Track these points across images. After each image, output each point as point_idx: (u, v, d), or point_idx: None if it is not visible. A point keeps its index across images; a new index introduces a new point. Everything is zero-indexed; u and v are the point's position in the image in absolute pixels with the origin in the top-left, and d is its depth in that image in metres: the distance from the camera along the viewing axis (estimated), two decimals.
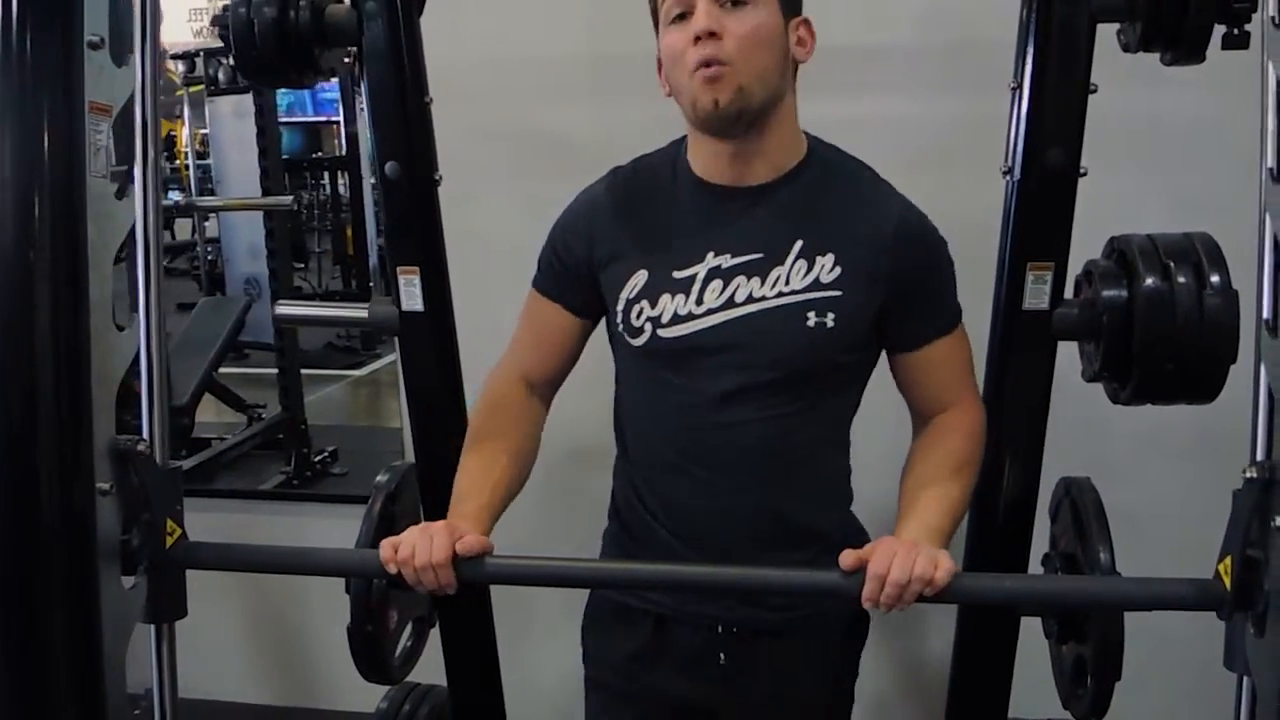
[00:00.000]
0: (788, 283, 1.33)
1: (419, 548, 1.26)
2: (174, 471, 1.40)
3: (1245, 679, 1.21)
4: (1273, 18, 1.21)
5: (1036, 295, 1.54)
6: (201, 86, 5.79)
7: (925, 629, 2.42)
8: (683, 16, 1.29)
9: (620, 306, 1.39)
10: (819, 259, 1.33)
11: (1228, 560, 1.15)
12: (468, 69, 2.23)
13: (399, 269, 1.73)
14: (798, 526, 1.41)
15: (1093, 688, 1.45)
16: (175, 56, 6.06)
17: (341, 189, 7.26)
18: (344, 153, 6.87)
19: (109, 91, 1.26)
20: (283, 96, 7.25)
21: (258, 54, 1.64)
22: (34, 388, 1.20)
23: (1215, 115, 1.92)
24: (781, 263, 1.33)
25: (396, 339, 1.82)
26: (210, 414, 4.49)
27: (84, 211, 1.22)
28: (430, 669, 1.88)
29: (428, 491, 1.77)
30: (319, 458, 3.79)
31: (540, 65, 2.34)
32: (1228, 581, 1.15)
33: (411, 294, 1.73)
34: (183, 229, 7.41)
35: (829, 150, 1.41)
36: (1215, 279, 1.38)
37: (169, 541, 1.34)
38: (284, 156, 7.04)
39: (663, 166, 1.42)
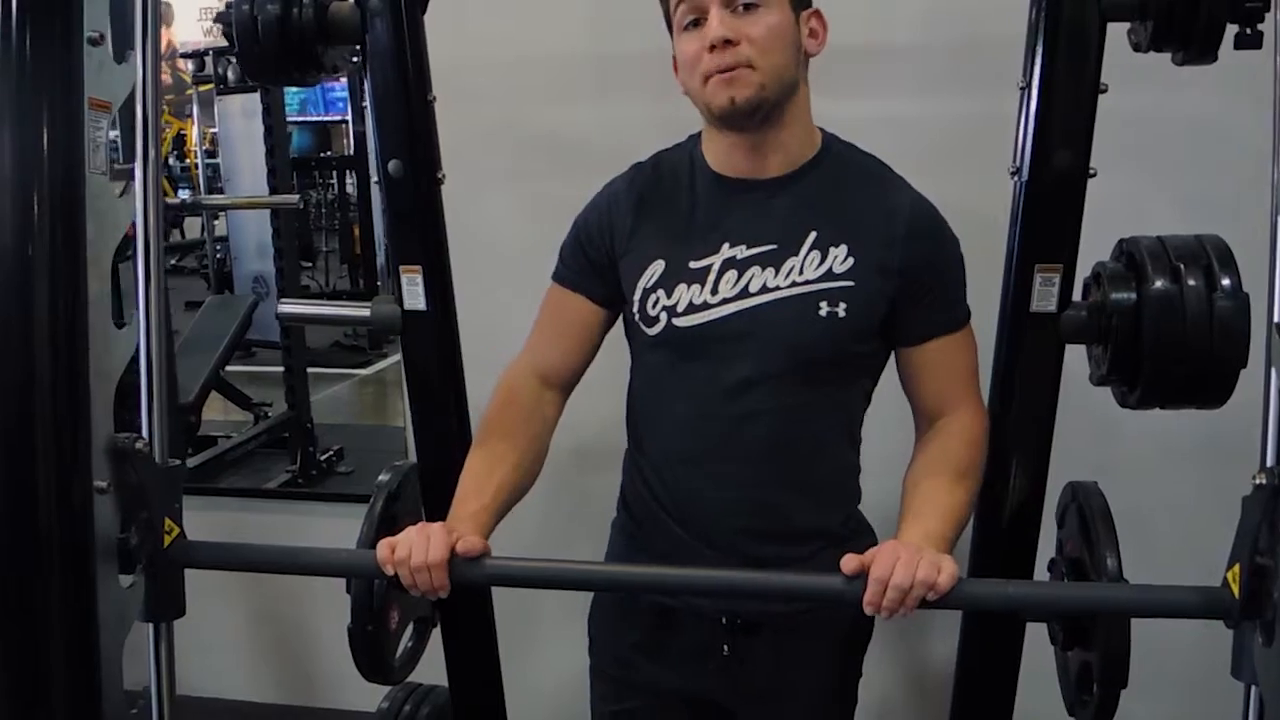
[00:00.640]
0: (801, 273, 1.35)
1: (415, 548, 1.25)
2: (173, 470, 1.39)
3: (1253, 688, 1.19)
4: None
5: (1044, 297, 1.53)
6: (211, 85, 5.78)
7: (930, 633, 2.40)
8: (696, 23, 1.32)
9: (637, 296, 1.40)
10: (832, 250, 1.35)
11: (1236, 568, 1.14)
12: (473, 68, 2.23)
13: (402, 268, 1.72)
14: (804, 521, 1.43)
15: (1098, 695, 1.43)
16: (185, 55, 6.07)
17: (350, 188, 7.27)
18: (352, 152, 6.87)
19: (109, 88, 1.25)
20: (295, 95, 7.27)
21: (261, 51, 1.64)
22: (32, 384, 1.19)
23: (1228, 116, 1.91)
24: (795, 253, 1.36)
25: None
26: (218, 412, 4.49)
27: (83, 208, 1.21)
28: (432, 669, 1.87)
29: (430, 491, 1.76)
30: (325, 456, 3.81)
31: (546, 64, 2.33)
32: (1236, 589, 1.14)
33: (414, 293, 1.72)
34: (193, 227, 7.43)
35: (844, 145, 1.43)
36: (1226, 282, 1.36)
37: (167, 540, 1.34)
38: (294, 155, 7.07)
39: (681, 161, 1.44)
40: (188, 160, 8.06)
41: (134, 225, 1.36)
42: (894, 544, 1.23)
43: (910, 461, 1.40)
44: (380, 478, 1.68)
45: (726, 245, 1.37)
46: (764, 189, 1.38)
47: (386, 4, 1.63)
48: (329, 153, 7.83)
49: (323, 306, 2.21)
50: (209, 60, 5.49)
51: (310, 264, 7.05)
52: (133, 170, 1.36)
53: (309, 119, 7.88)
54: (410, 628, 1.75)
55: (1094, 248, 1.53)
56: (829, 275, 1.35)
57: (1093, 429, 1.95)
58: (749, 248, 1.37)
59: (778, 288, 1.35)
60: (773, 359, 1.36)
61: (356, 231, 6.99)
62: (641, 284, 1.40)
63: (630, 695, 1.55)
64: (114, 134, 1.27)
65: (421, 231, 1.72)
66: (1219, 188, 1.94)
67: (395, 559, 1.26)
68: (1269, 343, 1.19)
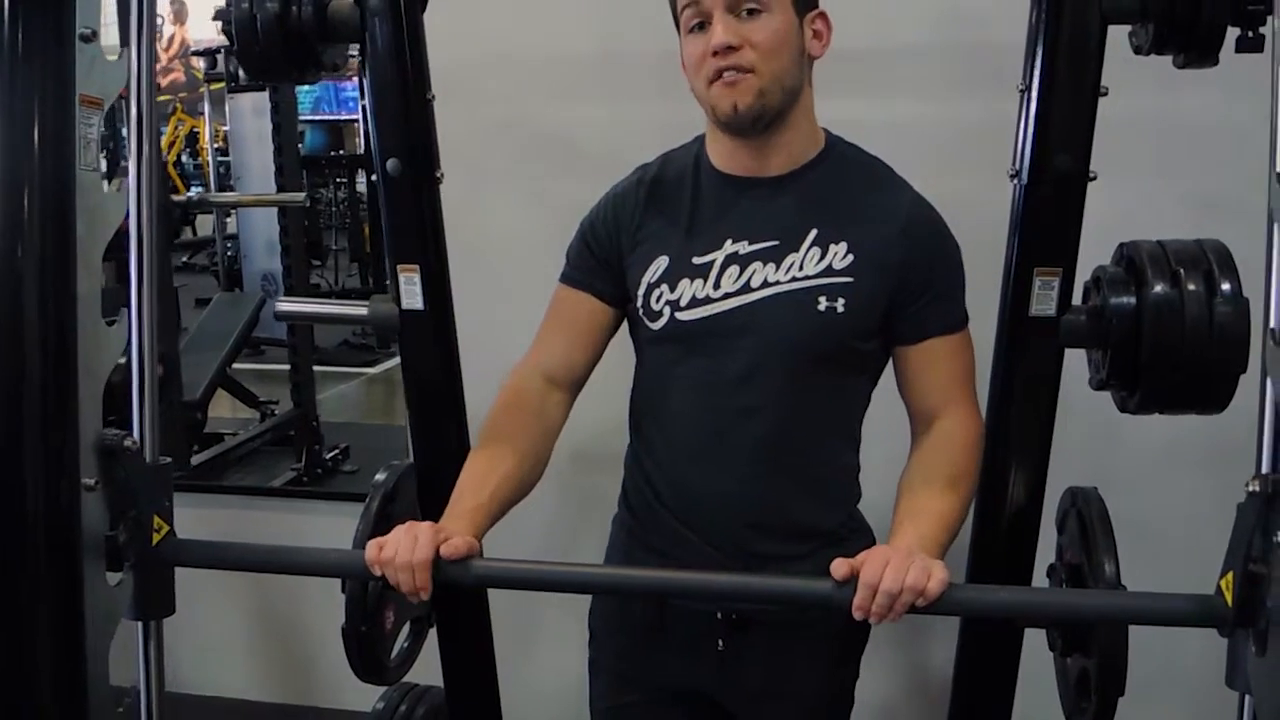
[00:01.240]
0: (801, 269, 1.37)
1: (401, 548, 1.25)
2: (163, 468, 1.38)
3: (1247, 697, 1.18)
4: None
5: (1043, 301, 1.51)
6: (223, 84, 5.81)
7: (930, 638, 2.39)
8: (701, 26, 1.33)
9: (641, 290, 1.42)
10: (832, 246, 1.37)
11: (1229, 576, 1.12)
12: (474, 66, 2.23)
13: (399, 267, 1.71)
14: (802, 518, 1.44)
15: (1096, 702, 1.42)
16: (197, 53, 6.10)
17: (360, 187, 7.29)
18: (364, 151, 6.89)
19: (101, 85, 1.25)
20: (308, 94, 7.31)
21: (260, 49, 1.63)
22: (20, 381, 1.19)
23: (1231, 119, 1.88)
24: (796, 249, 1.37)
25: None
26: (225, 409, 4.51)
27: (73, 205, 1.21)
28: (428, 669, 1.87)
29: (427, 491, 1.76)
30: (330, 454, 3.81)
31: (548, 64, 2.33)
32: (1229, 597, 1.12)
33: (412, 292, 1.72)
34: (204, 225, 7.47)
35: (847, 146, 1.45)
36: (1226, 287, 1.36)
37: (156, 538, 1.34)
38: (306, 154, 7.10)
39: (685, 160, 1.46)
40: (200, 157, 8.10)
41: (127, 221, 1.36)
42: (885, 549, 1.22)
43: (905, 467, 1.40)
44: (377, 477, 1.68)
45: (729, 241, 1.39)
46: (767, 187, 1.40)
47: (386, 2, 1.63)
48: (340, 151, 7.87)
49: (320, 305, 2.22)
50: (220, 58, 5.51)
51: (320, 262, 7.08)
52: (126, 166, 1.36)
53: (322, 117, 7.93)
54: (406, 628, 1.74)
55: (1098, 251, 1.52)
56: (829, 271, 1.36)
57: (1094, 433, 1.94)
58: (751, 244, 1.38)
59: (778, 283, 1.37)
60: (772, 353, 1.37)
61: (366, 230, 7.02)
62: (646, 279, 1.42)
63: (628, 690, 1.56)
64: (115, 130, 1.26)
65: (419, 231, 1.72)
66: (1224, 191, 1.91)
67: (381, 559, 1.26)
68: (1265, 350, 1.18)
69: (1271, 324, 1.16)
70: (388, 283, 1.74)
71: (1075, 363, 1.56)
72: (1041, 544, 1.62)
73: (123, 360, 1.36)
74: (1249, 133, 1.37)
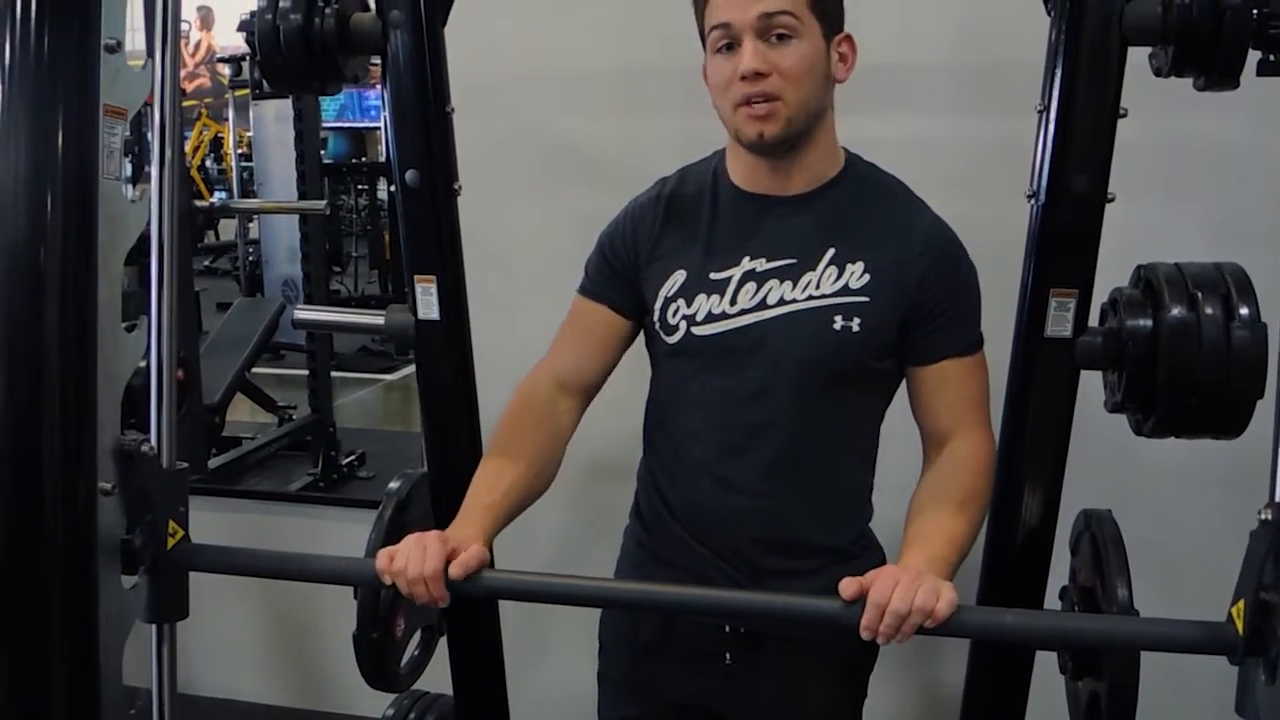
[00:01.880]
0: (818, 287, 1.38)
1: (411, 560, 1.26)
2: (179, 473, 1.40)
3: None
4: None
5: (1059, 322, 1.51)
6: (248, 90, 5.85)
7: (940, 657, 2.37)
8: (730, 47, 1.33)
9: (658, 304, 1.43)
10: (849, 266, 1.38)
11: (1240, 603, 1.11)
12: (495, 79, 2.24)
13: (416, 277, 1.72)
14: (813, 535, 1.44)
15: None
16: (222, 60, 6.15)
17: (382, 194, 7.33)
18: (385, 158, 6.92)
19: (125, 95, 1.27)
20: (332, 101, 7.35)
21: (283, 61, 1.65)
22: (40, 385, 1.21)
23: (1251, 142, 1.87)
24: (813, 268, 1.38)
25: None
26: (244, 413, 4.54)
27: (95, 213, 1.23)
28: (438, 677, 1.87)
29: (440, 500, 1.77)
30: (347, 460, 3.82)
31: (568, 77, 2.34)
32: (1240, 625, 1.12)
33: (428, 303, 1.73)
34: (228, 229, 7.51)
35: (866, 165, 1.46)
36: (1244, 311, 1.35)
37: (171, 543, 1.35)
38: (330, 161, 7.13)
39: (704, 176, 1.47)
40: (224, 162, 8.15)
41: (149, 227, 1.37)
42: (893, 569, 1.22)
43: (916, 488, 1.40)
44: (390, 486, 1.69)
45: (747, 258, 1.40)
46: (786, 205, 1.41)
47: (407, 16, 1.64)
48: (364, 158, 7.91)
49: (338, 314, 2.23)
50: (245, 65, 5.55)
51: (340, 269, 7.12)
52: (149, 172, 1.38)
53: (346, 125, 7.97)
54: (417, 636, 1.75)
55: (1117, 273, 1.52)
56: (845, 290, 1.37)
57: (1110, 456, 1.92)
58: (768, 261, 1.39)
59: (794, 300, 1.38)
60: (787, 370, 1.38)
61: (386, 237, 7.05)
62: (663, 293, 1.43)
63: (636, 702, 1.57)
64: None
65: (437, 242, 1.73)
66: (1241, 215, 1.91)
67: (393, 569, 1.27)
68: None
69: None
70: (406, 290, 1.75)
71: (1091, 384, 1.56)
72: (1058, 566, 1.62)
73: (143, 364, 1.38)
74: (1268, 156, 1.37)
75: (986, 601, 1.60)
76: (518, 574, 1.32)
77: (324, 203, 3.87)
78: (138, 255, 1.36)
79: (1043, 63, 1.50)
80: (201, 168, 8.25)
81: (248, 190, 6.65)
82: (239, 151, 6.89)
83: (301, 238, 4.15)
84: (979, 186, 1.93)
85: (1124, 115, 1.47)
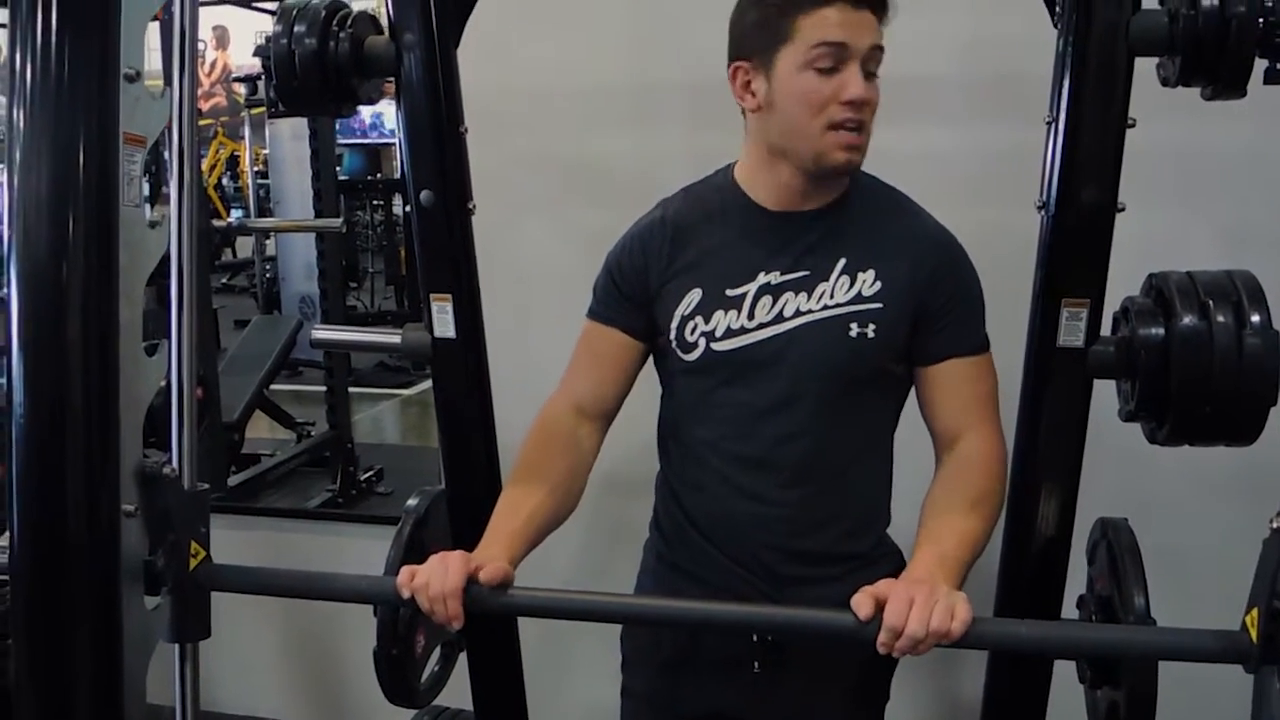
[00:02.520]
0: (832, 297, 1.41)
1: (433, 577, 1.27)
2: (200, 494, 1.41)
3: None
4: None
5: (1071, 332, 1.51)
6: (263, 109, 5.90)
7: (959, 666, 2.37)
8: (833, 70, 1.33)
9: (675, 323, 1.45)
10: (860, 275, 1.41)
11: (1254, 612, 1.11)
12: (509, 98, 2.26)
13: (432, 296, 1.74)
14: (834, 542, 1.46)
15: None
16: (238, 79, 6.20)
17: (396, 210, 7.36)
18: (399, 174, 6.95)
19: (144, 123, 1.29)
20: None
21: (298, 84, 1.67)
22: (63, 409, 1.23)
23: (1260, 150, 1.87)
24: (826, 279, 1.41)
25: None
26: (264, 430, 4.56)
27: (116, 240, 1.25)
28: (458, 693, 1.88)
29: (458, 517, 1.78)
30: (365, 476, 3.84)
31: (581, 95, 2.35)
32: (1254, 634, 1.12)
33: (444, 321, 1.74)
34: (245, 246, 7.57)
35: (867, 177, 1.48)
36: (1255, 318, 1.35)
37: (193, 563, 1.36)
38: (345, 178, 7.17)
39: (710, 193, 1.50)
40: (241, 180, 8.21)
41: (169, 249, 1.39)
42: (908, 585, 1.21)
43: (928, 490, 1.41)
44: (408, 503, 1.70)
45: (762, 273, 1.43)
46: (799, 220, 1.44)
47: (420, 38, 1.66)
48: (379, 175, 7.95)
49: (356, 333, 2.25)
50: (261, 84, 5.60)
51: (356, 284, 7.15)
52: (168, 194, 1.40)
53: (360, 141, 8.02)
54: (437, 652, 1.76)
55: (1129, 282, 1.52)
56: (858, 298, 1.40)
57: (1126, 464, 1.92)
58: (783, 274, 1.42)
59: (810, 311, 1.41)
60: (807, 380, 1.41)
61: (402, 253, 7.08)
62: (680, 311, 1.45)
63: (659, 717, 1.57)
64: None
65: (452, 261, 1.74)
66: (1252, 222, 1.90)
67: (414, 586, 1.28)
68: None
69: None
70: (423, 306, 1.77)
71: (1106, 391, 1.56)
72: (1076, 574, 1.62)
73: (163, 383, 1.40)
74: (1277, 163, 1.37)
75: (1004, 611, 1.60)
76: (538, 590, 1.33)
77: (340, 221, 3.89)
78: (157, 276, 1.38)
79: (1049, 73, 1.51)
80: (218, 186, 8.32)
81: (264, 207, 6.69)
82: (255, 169, 6.94)
83: (318, 255, 4.18)
84: (989, 197, 1.93)
85: (1133, 125, 1.47)
